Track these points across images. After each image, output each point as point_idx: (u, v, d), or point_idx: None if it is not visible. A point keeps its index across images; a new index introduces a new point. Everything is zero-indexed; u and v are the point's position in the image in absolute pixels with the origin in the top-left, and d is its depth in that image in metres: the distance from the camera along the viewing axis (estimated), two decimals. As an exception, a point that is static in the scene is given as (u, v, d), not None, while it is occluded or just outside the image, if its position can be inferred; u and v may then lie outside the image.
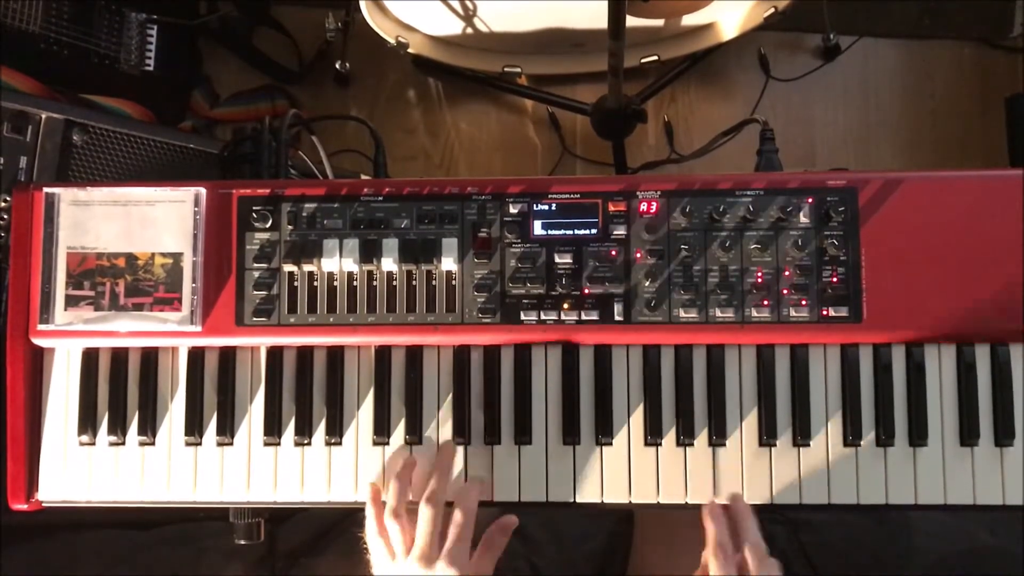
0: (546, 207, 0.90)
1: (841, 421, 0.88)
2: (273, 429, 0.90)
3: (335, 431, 0.90)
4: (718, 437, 0.88)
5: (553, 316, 0.88)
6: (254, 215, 0.89)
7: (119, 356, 0.92)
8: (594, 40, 1.44)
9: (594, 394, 0.90)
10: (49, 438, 0.92)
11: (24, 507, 0.91)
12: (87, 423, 0.91)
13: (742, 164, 1.11)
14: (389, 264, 0.88)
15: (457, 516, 0.83)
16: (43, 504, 0.92)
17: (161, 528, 1.16)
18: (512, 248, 0.89)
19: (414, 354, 0.91)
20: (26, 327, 0.90)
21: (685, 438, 0.88)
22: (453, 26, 1.40)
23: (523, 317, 0.88)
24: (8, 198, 1.04)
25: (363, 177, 1.25)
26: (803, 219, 0.88)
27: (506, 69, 1.52)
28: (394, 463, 0.89)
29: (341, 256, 0.88)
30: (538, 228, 0.89)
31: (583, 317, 0.88)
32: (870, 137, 1.63)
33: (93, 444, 0.91)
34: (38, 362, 0.92)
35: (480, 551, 0.85)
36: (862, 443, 0.88)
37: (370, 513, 0.87)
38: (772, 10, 1.34)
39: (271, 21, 1.63)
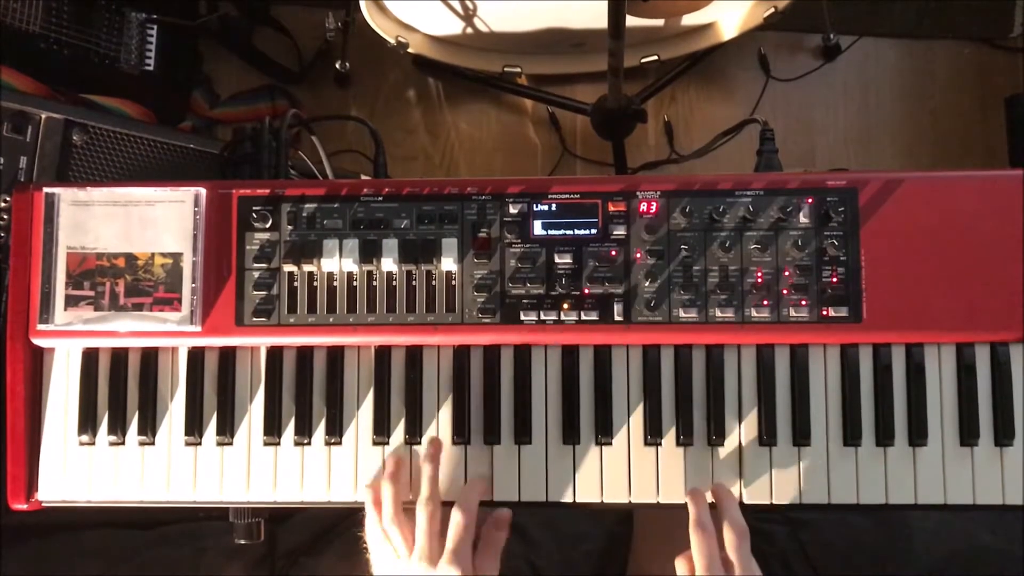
0: (546, 207, 0.90)
1: (841, 421, 0.88)
2: (273, 429, 0.90)
3: (335, 431, 0.90)
4: (718, 437, 0.88)
5: (553, 316, 0.88)
6: (254, 215, 0.89)
7: (119, 356, 0.92)
8: (594, 40, 1.44)
9: (594, 394, 0.90)
10: (49, 438, 0.92)
11: (24, 507, 0.91)
12: (87, 423, 0.91)
13: (742, 164, 1.11)
14: (389, 264, 0.88)
15: (458, 516, 0.83)
16: (43, 504, 0.92)
17: (161, 528, 1.16)
18: (512, 248, 0.89)
19: (414, 354, 0.91)
20: (26, 327, 0.90)
21: (685, 438, 0.88)
22: (453, 26, 1.40)
23: (523, 317, 0.88)
24: (8, 198, 1.04)
25: (363, 177, 1.25)
26: (803, 219, 0.88)
27: (506, 69, 1.52)
28: (388, 464, 0.89)
29: (341, 256, 0.88)
30: (538, 228, 0.89)
31: (583, 317, 0.88)
32: (870, 137, 1.63)
33: (93, 444, 0.91)
34: (38, 362, 0.92)
35: (481, 551, 0.85)
36: (862, 443, 0.88)
37: (372, 516, 0.87)
38: (772, 10, 1.34)
39: (271, 21, 1.64)
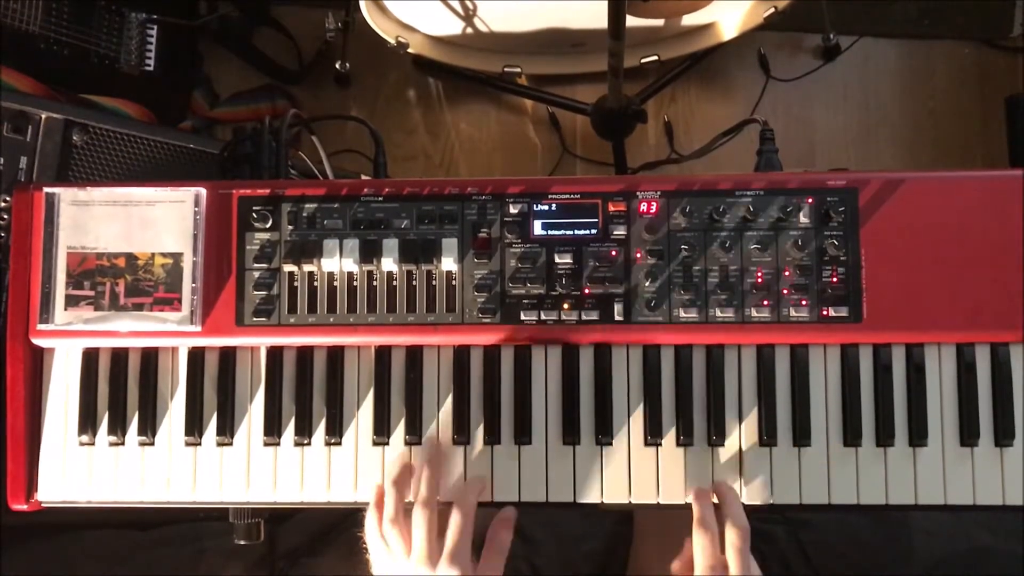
0: (546, 207, 0.90)
1: (841, 421, 0.88)
2: (273, 429, 0.90)
3: (335, 431, 0.90)
4: (718, 437, 0.88)
5: (553, 316, 0.88)
6: (254, 215, 0.89)
7: (119, 356, 0.92)
8: (594, 40, 1.45)
9: (594, 394, 0.90)
10: (49, 438, 0.92)
11: (24, 507, 0.91)
12: (87, 423, 0.91)
13: (742, 164, 1.11)
14: (389, 264, 0.88)
15: (456, 516, 0.83)
16: (43, 504, 0.92)
17: (161, 528, 1.16)
18: (512, 248, 0.89)
19: (414, 354, 0.91)
20: (26, 327, 0.90)
21: (685, 438, 0.88)
22: (453, 26, 1.40)
23: (523, 317, 0.88)
24: (8, 198, 1.04)
25: (363, 177, 1.25)
26: (803, 219, 0.88)
27: (506, 69, 1.52)
28: (392, 468, 0.89)
29: (341, 256, 0.88)
30: (538, 228, 0.89)
31: (583, 317, 0.88)
32: (870, 137, 1.63)
33: (93, 444, 0.91)
34: (38, 362, 0.92)
35: (486, 552, 0.85)
36: (862, 443, 0.88)
37: (372, 517, 0.86)
38: (772, 10, 1.34)
39: (271, 21, 1.64)
